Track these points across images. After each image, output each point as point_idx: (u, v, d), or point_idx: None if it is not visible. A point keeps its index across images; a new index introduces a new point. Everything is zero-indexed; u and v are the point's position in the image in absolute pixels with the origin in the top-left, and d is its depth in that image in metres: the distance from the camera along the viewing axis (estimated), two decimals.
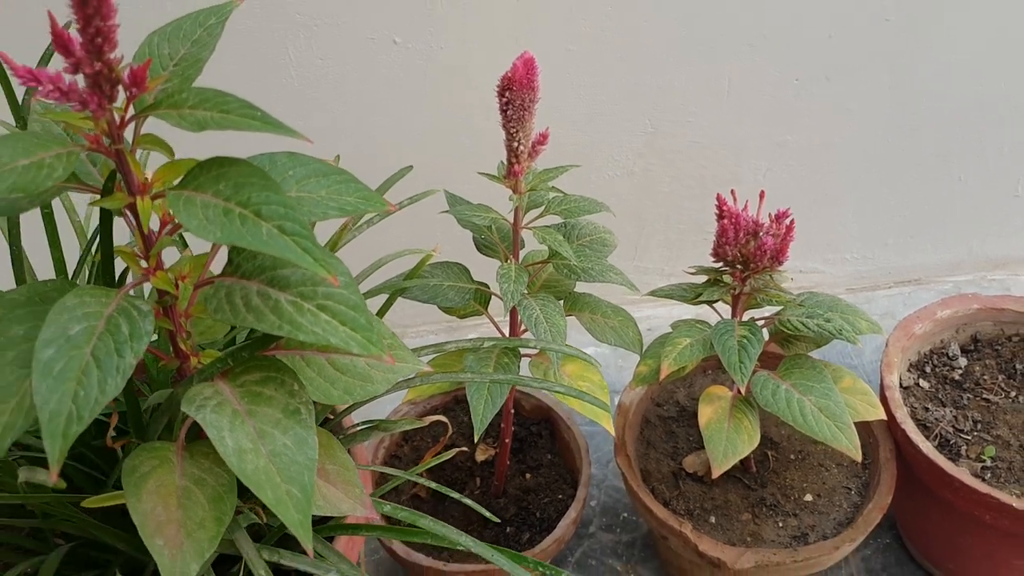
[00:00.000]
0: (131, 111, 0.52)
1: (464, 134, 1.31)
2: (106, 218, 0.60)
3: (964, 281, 1.63)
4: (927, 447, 1.03)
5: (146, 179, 0.55)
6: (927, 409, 1.13)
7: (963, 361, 1.20)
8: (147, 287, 0.68)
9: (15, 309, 0.56)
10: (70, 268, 0.86)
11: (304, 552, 0.71)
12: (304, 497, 0.55)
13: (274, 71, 1.19)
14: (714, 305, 1.01)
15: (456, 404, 1.23)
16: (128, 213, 0.56)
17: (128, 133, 0.54)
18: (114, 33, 0.48)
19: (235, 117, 0.51)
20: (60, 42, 0.49)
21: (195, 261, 0.61)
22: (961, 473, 1.01)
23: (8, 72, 0.80)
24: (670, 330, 1.00)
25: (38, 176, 0.49)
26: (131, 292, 0.56)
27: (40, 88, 0.48)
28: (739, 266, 0.93)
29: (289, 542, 0.78)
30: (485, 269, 1.01)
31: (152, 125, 0.54)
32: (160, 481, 0.61)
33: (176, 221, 0.58)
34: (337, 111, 1.26)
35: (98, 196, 0.56)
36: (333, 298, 0.56)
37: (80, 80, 0.50)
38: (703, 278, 0.98)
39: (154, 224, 0.58)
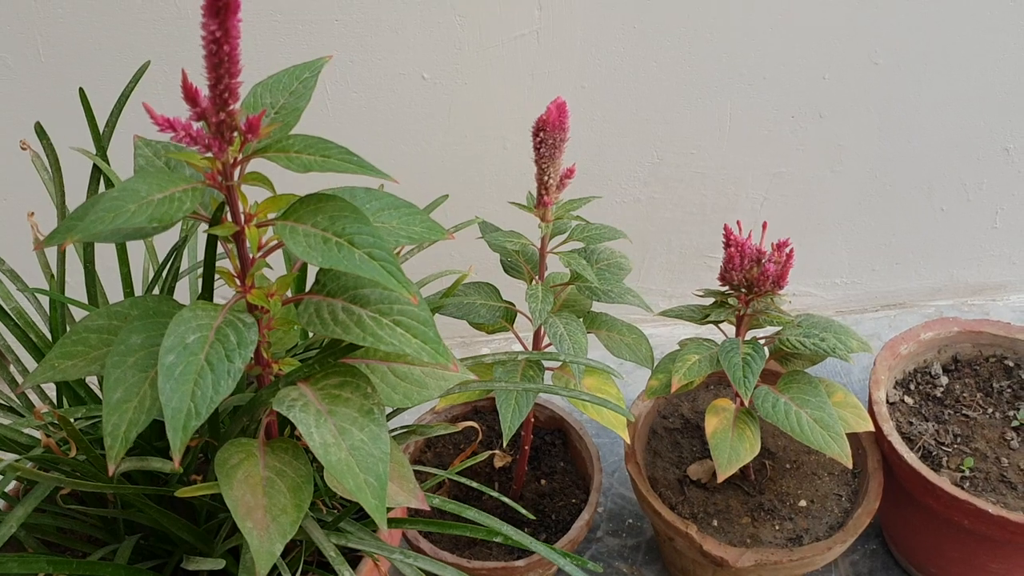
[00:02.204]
0: (242, 153, 0.61)
1: (484, 163, 1.41)
2: (211, 243, 0.69)
3: (945, 305, 1.73)
4: (911, 458, 1.13)
5: (249, 211, 0.64)
6: (911, 423, 1.23)
7: (944, 380, 1.30)
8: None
9: (132, 321, 0.65)
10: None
11: (362, 538, 0.79)
12: (380, 485, 0.64)
13: (312, 103, 1.29)
14: (719, 325, 1.10)
15: (475, 414, 1.32)
16: (232, 239, 0.65)
17: (236, 171, 0.63)
18: (238, 89, 0.58)
19: (335, 161, 0.60)
20: (189, 95, 0.58)
21: (280, 281, 0.70)
22: (942, 482, 1.10)
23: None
24: (677, 347, 1.10)
25: (171, 208, 0.58)
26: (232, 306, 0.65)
27: (174, 134, 0.58)
28: (743, 290, 1.03)
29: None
30: (503, 287, 1.10)
31: (252, 164, 0.64)
32: (247, 472, 0.69)
33: (269, 247, 0.67)
34: (367, 141, 1.35)
35: (205, 224, 0.65)
36: (406, 314, 0.66)
37: (202, 126, 0.59)
38: (710, 300, 1.08)
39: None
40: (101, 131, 0.91)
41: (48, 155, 0.90)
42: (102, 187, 0.91)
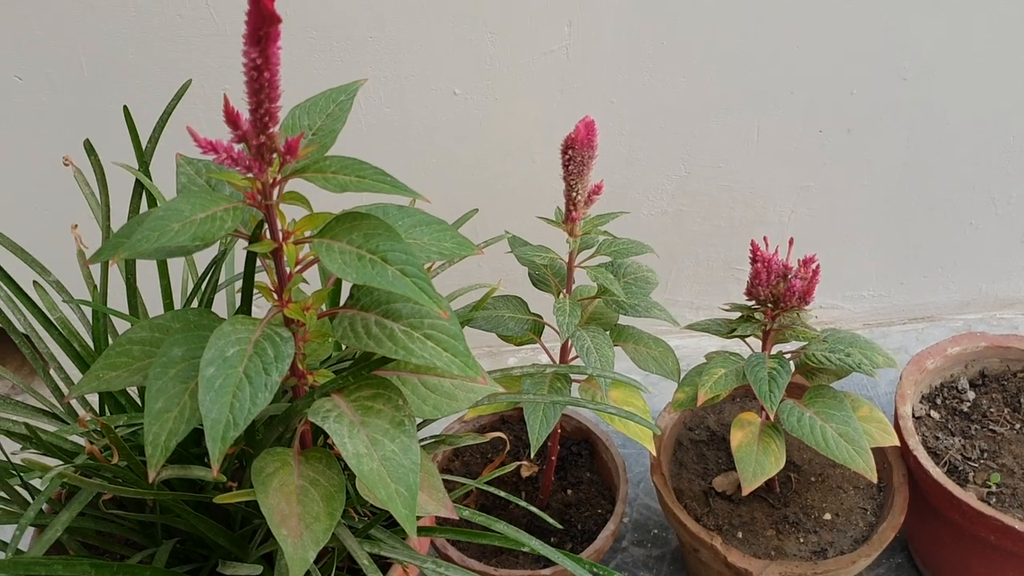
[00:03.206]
0: (281, 173, 0.64)
1: (513, 177, 1.43)
2: (250, 260, 0.71)
3: (974, 319, 1.73)
4: (937, 473, 1.13)
5: (287, 228, 0.66)
6: (937, 438, 1.23)
7: (971, 394, 1.30)
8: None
9: (174, 334, 0.67)
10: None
11: (393, 546, 0.82)
12: (410, 495, 0.66)
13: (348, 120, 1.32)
14: (745, 339, 1.11)
15: (503, 424, 1.33)
16: (270, 255, 0.67)
17: (275, 191, 0.65)
18: (278, 112, 0.60)
19: (370, 181, 0.62)
20: (231, 118, 0.60)
21: (316, 295, 0.72)
22: (968, 497, 1.10)
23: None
24: (703, 360, 1.11)
25: (213, 227, 0.60)
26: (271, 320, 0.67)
27: (216, 156, 0.60)
28: (770, 305, 1.04)
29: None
30: (531, 299, 1.12)
31: (290, 183, 0.66)
32: (282, 481, 0.71)
33: (305, 262, 0.70)
34: (399, 155, 1.38)
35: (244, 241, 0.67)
36: (437, 328, 0.68)
37: (243, 147, 0.62)
38: (737, 314, 1.09)
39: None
40: (144, 147, 0.94)
41: (96, 172, 0.93)
42: (143, 201, 0.94)
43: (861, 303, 1.70)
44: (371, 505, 0.92)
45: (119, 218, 0.96)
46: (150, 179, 0.92)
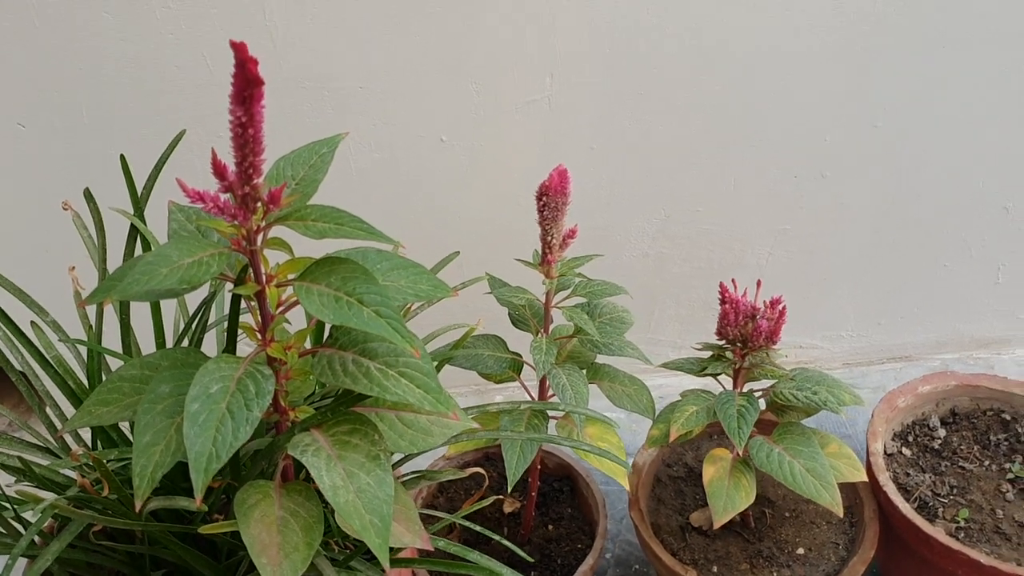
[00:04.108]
0: (265, 221, 0.68)
1: (497, 220, 1.47)
2: (235, 301, 0.75)
3: (951, 359, 1.76)
4: (906, 508, 1.16)
5: (270, 272, 0.71)
6: (908, 474, 1.27)
7: (942, 432, 1.33)
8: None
9: (162, 372, 0.71)
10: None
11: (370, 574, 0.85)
12: (384, 526, 0.70)
13: (336, 164, 1.36)
14: (718, 377, 1.15)
15: (486, 460, 1.37)
16: (254, 297, 0.72)
17: (259, 237, 0.69)
18: (262, 164, 0.65)
19: (347, 228, 0.67)
20: (218, 171, 0.65)
21: (298, 335, 0.76)
22: (937, 532, 1.13)
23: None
24: (680, 398, 1.15)
25: (199, 271, 0.64)
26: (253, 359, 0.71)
27: (203, 205, 0.64)
28: (739, 344, 1.08)
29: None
30: (509, 337, 1.16)
31: (273, 230, 0.70)
32: (263, 512, 0.75)
33: (288, 303, 0.74)
34: (387, 199, 1.43)
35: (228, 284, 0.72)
36: (411, 367, 0.72)
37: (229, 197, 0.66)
38: (709, 353, 1.13)
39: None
40: (139, 193, 0.98)
41: (94, 217, 0.97)
42: (138, 244, 0.98)
43: (840, 343, 1.74)
44: (352, 538, 0.95)
45: (115, 260, 1.00)
46: (144, 223, 0.96)
